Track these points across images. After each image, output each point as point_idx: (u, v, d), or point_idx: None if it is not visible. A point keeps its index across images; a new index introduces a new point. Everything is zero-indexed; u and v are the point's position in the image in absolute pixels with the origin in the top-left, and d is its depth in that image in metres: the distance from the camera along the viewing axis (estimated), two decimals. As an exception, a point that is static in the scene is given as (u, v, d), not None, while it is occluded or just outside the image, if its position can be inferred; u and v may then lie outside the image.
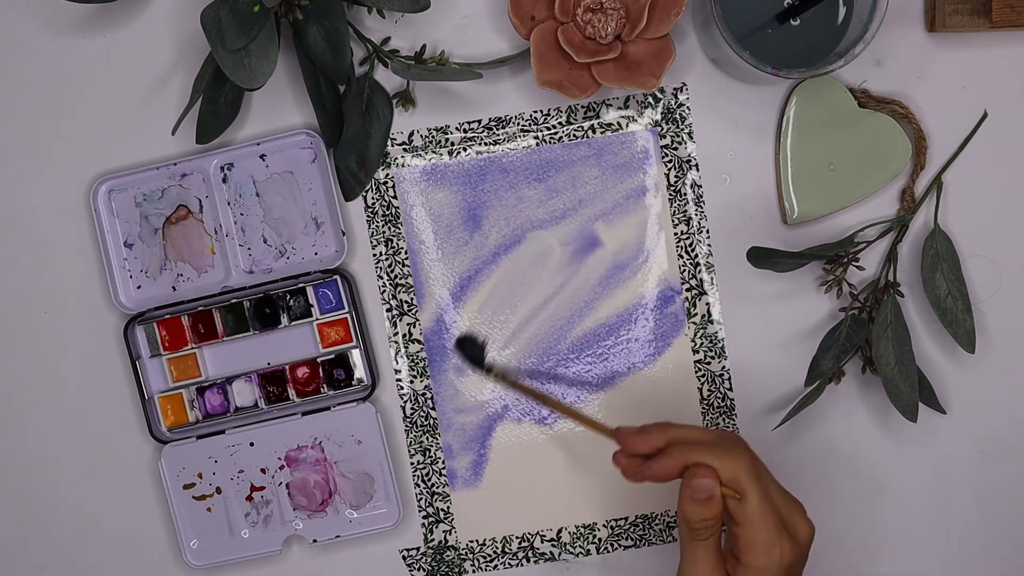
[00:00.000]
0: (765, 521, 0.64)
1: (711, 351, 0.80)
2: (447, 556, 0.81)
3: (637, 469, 0.67)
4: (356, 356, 0.80)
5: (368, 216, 0.80)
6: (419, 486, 0.81)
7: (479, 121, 0.80)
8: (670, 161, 0.80)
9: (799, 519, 0.66)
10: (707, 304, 0.80)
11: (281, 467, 0.81)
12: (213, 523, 0.81)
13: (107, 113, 0.80)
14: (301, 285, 0.79)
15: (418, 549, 0.81)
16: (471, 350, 0.75)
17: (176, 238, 0.80)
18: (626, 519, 0.81)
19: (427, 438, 0.81)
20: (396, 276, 0.80)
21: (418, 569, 0.81)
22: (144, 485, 0.82)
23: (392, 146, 0.80)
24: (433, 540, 0.81)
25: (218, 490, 0.81)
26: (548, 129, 0.80)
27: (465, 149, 0.80)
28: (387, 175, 0.80)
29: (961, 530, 0.81)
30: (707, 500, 0.64)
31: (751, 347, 0.80)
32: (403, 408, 0.81)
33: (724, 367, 0.80)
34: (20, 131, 0.80)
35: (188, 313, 0.80)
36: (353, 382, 0.80)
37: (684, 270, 0.80)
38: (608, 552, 0.81)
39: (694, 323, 0.80)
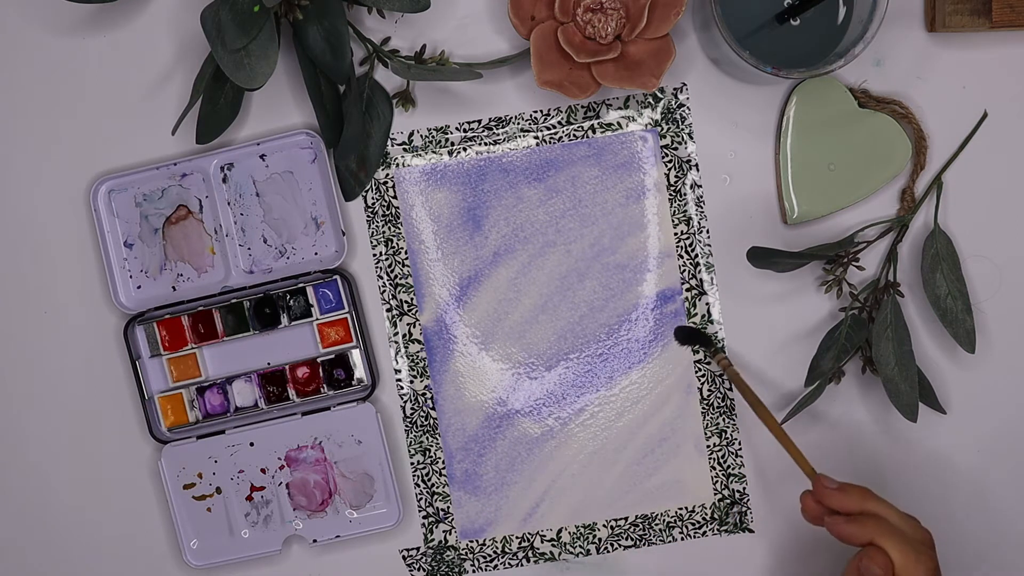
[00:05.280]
0: None
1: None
2: (447, 556, 0.81)
3: (821, 517, 0.69)
4: (356, 356, 0.80)
5: (368, 216, 0.80)
6: (419, 486, 0.81)
7: (479, 121, 0.80)
8: (670, 161, 0.80)
9: None
10: (707, 304, 0.80)
11: (281, 467, 0.81)
12: (213, 523, 0.81)
13: (107, 113, 0.80)
14: (301, 285, 0.79)
15: (418, 549, 0.81)
16: (697, 337, 0.79)
17: (176, 238, 0.80)
18: (626, 519, 0.81)
19: (427, 438, 0.81)
20: (396, 276, 0.80)
21: (418, 569, 0.81)
22: (144, 485, 0.82)
23: (392, 146, 0.80)
24: (433, 540, 0.81)
25: (218, 490, 0.81)
26: (548, 129, 0.80)
27: (465, 149, 0.80)
28: (387, 175, 0.80)
29: (961, 530, 0.81)
30: None
31: (751, 347, 0.80)
32: (403, 408, 0.81)
33: (724, 367, 0.81)
34: (20, 131, 0.80)
35: (188, 313, 0.80)
36: (353, 382, 0.80)
37: (684, 270, 0.80)
38: (608, 552, 0.81)
39: (694, 323, 0.80)
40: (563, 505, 0.81)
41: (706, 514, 0.81)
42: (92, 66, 0.79)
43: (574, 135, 0.80)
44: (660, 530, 0.81)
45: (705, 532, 0.81)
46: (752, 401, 0.74)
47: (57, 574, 0.82)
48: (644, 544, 0.81)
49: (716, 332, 0.80)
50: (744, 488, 0.81)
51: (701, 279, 0.80)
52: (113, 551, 0.82)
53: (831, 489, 0.69)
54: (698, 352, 0.80)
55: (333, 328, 0.80)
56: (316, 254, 0.80)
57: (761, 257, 0.75)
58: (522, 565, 0.81)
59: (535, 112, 0.80)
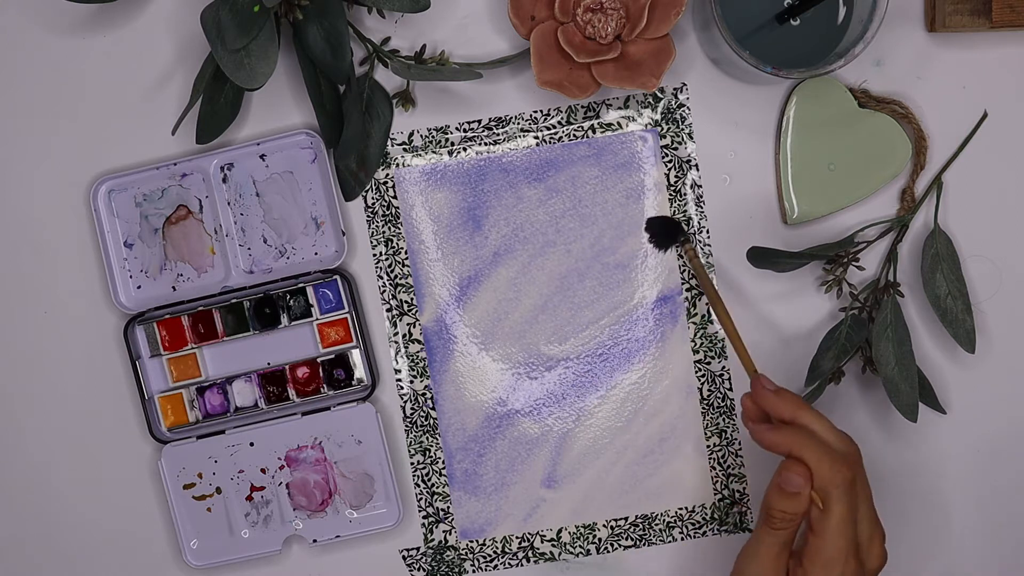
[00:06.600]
0: (839, 539, 0.64)
1: (711, 351, 0.80)
2: (447, 556, 0.81)
3: (754, 420, 0.69)
4: (356, 356, 0.80)
5: (368, 216, 0.80)
6: (419, 486, 0.81)
7: (479, 121, 0.80)
8: (670, 161, 0.80)
9: (875, 547, 0.67)
10: (707, 304, 0.80)
11: (281, 467, 0.81)
12: (213, 523, 0.81)
13: (107, 113, 0.80)
14: (301, 285, 0.79)
15: (418, 549, 0.81)
16: (667, 228, 0.78)
17: (176, 238, 0.80)
18: (626, 519, 0.81)
19: (427, 438, 0.81)
20: (396, 276, 0.80)
21: (418, 569, 0.81)
22: (144, 485, 0.82)
23: (392, 146, 0.80)
24: (433, 540, 0.81)
25: (218, 490, 0.81)
26: (548, 129, 0.80)
27: (465, 149, 0.80)
28: (387, 175, 0.80)
29: (961, 530, 0.81)
30: (793, 496, 0.65)
31: (751, 347, 0.80)
32: (403, 408, 0.81)
33: (724, 367, 0.81)
34: (20, 131, 0.80)
35: (188, 313, 0.80)
36: (353, 382, 0.80)
37: (684, 270, 0.80)
38: (608, 552, 0.81)
39: (694, 323, 0.80)
40: (563, 505, 0.81)
41: (706, 514, 0.81)
42: (92, 66, 0.79)
43: (574, 135, 0.80)
44: (660, 530, 0.81)
45: (705, 532, 0.81)
46: (710, 293, 0.74)
47: (57, 574, 0.82)
48: (644, 544, 0.81)
49: (717, 331, 0.80)
50: (744, 488, 0.81)
51: (701, 279, 0.80)
52: (113, 551, 0.82)
53: (767, 390, 0.69)
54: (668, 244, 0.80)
55: (333, 328, 0.80)
56: (316, 254, 0.80)
57: (761, 257, 0.75)
58: (522, 565, 0.82)
59: (535, 112, 0.80)
